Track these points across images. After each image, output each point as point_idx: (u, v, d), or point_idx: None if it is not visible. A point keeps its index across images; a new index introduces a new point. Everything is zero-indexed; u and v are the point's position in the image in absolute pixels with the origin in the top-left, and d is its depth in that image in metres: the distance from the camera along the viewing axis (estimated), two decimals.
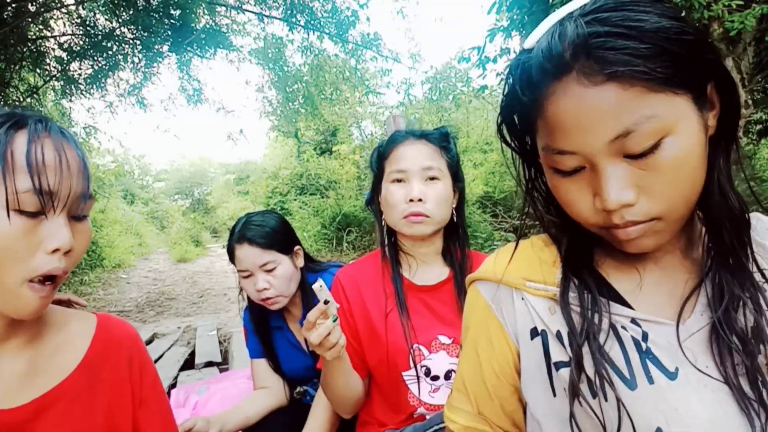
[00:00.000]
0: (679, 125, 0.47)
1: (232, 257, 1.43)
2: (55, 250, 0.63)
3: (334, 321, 0.98)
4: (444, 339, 1.15)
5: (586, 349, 0.55)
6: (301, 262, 1.48)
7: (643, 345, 0.54)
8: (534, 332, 0.61)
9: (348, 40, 7.68)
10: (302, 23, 7.38)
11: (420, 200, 1.14)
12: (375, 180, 1.26)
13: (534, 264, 0.65)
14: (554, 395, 0.59)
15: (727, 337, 0.51)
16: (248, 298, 1.53)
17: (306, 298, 1.48)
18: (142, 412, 0.80)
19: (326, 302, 0.97)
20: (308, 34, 7.65)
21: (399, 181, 1.17)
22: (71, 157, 0.66)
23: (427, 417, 1.16)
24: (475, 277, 0.70)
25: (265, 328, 1.54)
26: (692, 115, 0.48)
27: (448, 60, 10.37)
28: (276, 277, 1.38)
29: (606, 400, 0.52)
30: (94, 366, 0.75)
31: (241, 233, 1.39)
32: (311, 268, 1.54)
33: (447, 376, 1.14)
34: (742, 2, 2.99)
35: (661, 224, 0.51)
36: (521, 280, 0.64)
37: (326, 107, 9.41)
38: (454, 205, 1.22)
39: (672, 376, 0.52)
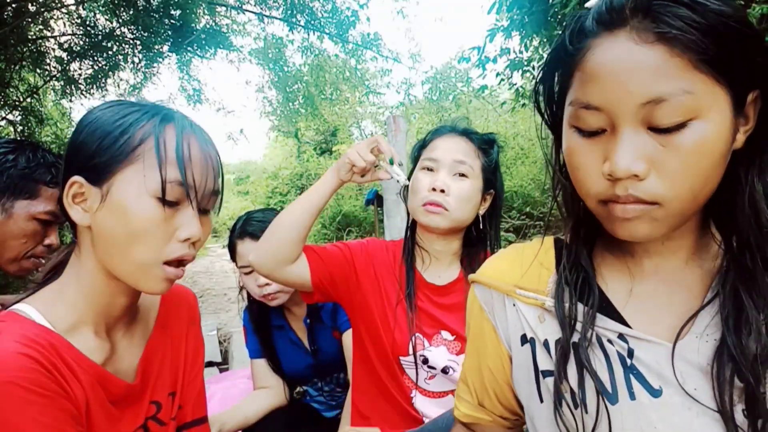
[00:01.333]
0: (711, 113, 0.46)
1: (233, 254, 1.44)
2: (186, 239, 0.69)
3: (380, 163, 1.12)
4: (447, 335, 1.17)
5: (571, 360, 0.55)
6: None
7: (628, 361, 0.53)
8: (524, 339, 0.62)
9: (348, 40, 7.68)
10: (302, 23, 7.38)
11: (442, 191, 1.13)
12: (412, 167, 1.26)
13: (529, 269, 0.64)
14: (541, 401, 0.60)
15: (737, 361, 0.48)
16: (248, 297, 1.53)
17: None
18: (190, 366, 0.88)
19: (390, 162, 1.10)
20: (308, 35, 7.66)
21: (429, 169, 1.17)
22: (212, 155, 0.73)
23: (424, 414, 1.17)
24: (474, 278, 0.71)
25: (266, 327, 1.55)
26: (726, 112, 0.47)
27: (448, 60, 10.38)
28: None
29: (587, 411, 0.53)
30: (168, 323, 0.84)
31: (243, 229, 1.41)
32: None
33: (444, 371, 1.14)
34: (742, 2, 2.99)
35: (660, 212, 0.49)
36: (512, 287, 0.64)
37: (326, 107, 9.42)
38: (481, 212, 1.20)
39: (656, 393, 0.51)
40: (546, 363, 0.59)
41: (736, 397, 0.48)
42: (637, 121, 0.47)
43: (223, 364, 3.15)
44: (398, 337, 1.16)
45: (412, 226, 1.25)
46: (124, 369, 0.74)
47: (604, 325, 0.56)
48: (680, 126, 0.46)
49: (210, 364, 3.10)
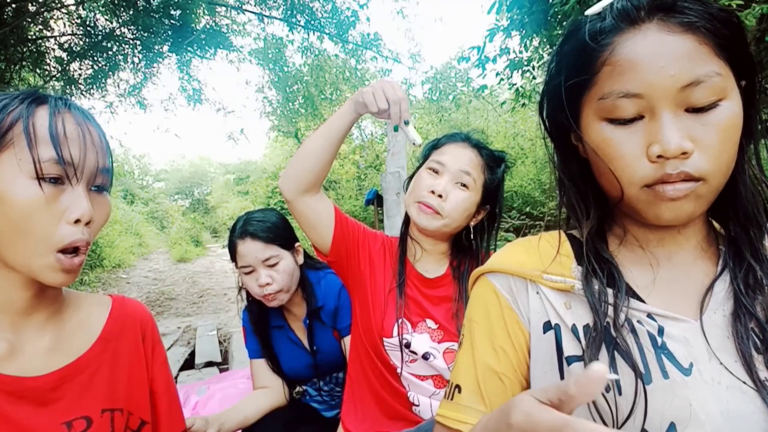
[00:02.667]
0: (731, 94, 0.52)
1: (233, 254, 1.43)
2: (77, 221, 0.66)
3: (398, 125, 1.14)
4: (431, 323, 1.22)
5: (602, 344, 0.56)
6: (301, 259, 1.49)
7: (659, 340, 0.55)
8: (547, 326, 0.62)
9: (348, 41, 7.69)
10: (302, 23, 7.39)
11: (440, 196, 1.17)
12: (419, 164, 1.30)
13: (549, 257, 0.65)
14: None
15: (749, 326, 0.52)
16: (248, 297, 1.54)
17: (307, 296, 1.48)
18: (152, 389, 0.84)
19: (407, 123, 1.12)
20: (308, 35, 7.67)
21: (434, 171, 1.21)
22: (92, 130, 0.70)
23: (420, 413, 1.19)
24: (486, 269, 0.69)
25: (265, 327, 1.55)
26: (737, 93, 0.53)
27: (448, 60, 10.37)
28: (278, 271, 1.39)
29: (620, 394, 0.53)
30: (112, 340, 0.79)
31: (243, 228, 1.40)
32: (311, 266, 1.55)
33: (425, 357, 1.19)
34: (742, 2, 2.99)
35: (704, 188, 0.52)
36: (537, 272, 0.63)
37: (326, 107, 9.41)
38: (472, 223, 1.25)
39: (686, 372, 0.52)
40: (572, 348, 0.59)
41: (763, 366, 0.51)
42: (676, 104, 0.51)
43: (223, 364, 3.15)
44: (386, 321, 1.21)
45: (407, 218, 1.29)
46: (33, 371, 0.69)
47: (633, 306, 0.57)
48: (714, 105, 0.51)
49: (210, 364, 3.10)
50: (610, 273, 0.60)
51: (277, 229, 1.42)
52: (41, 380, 0.69)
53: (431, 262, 1.28)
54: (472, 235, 1.27)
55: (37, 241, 0.64)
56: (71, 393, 0.72)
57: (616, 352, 0.55)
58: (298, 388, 1.58)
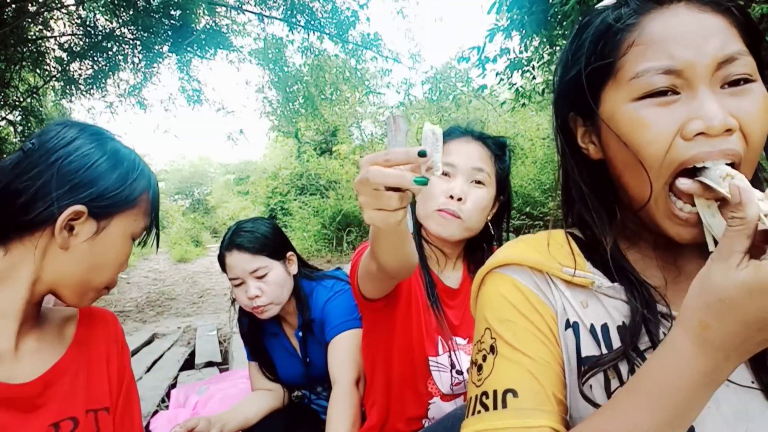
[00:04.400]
0: (758, 79, 0.52)
1: (223, 266, 1.41)
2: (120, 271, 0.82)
3: (418, 183, 0.63)
4: (460, 340, 1.15)
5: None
6: (294, 269, 1.46)
7: None
8: (567, 323, 0.60)
9: (348, 41, 7.68)
10: (302, 23, 7.38)
11: (460, 199, 1.09)
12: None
13: (560, 254, 0.62)
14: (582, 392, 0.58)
15: None
16: (240, 309, 1.51)
17: (301, 305, 1.45)
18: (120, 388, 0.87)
19: (422, 154, 0.64)
20: (308, 35, 7.66)
21: (445, 174, 1.11)
22: None
23: (431, 417, 1.16)
24: (499, 263, 0.63)
25: (257, 336, 1.53)
26: (761, 82, 0.52)
27: (448, 60, 10.37)
28: (267, 283, 1.36)
29: None
30: (86, 341, 0.82)
31: (231, 240, 1.38)
32: (306, 275, 1.51)
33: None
34: (742, 2, 2.99)
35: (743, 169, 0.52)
36: (558, 265, 0.60)
37: (326, 107, 9.42)
38: (489, 217, 1.17)
39: None
40: (591, 349, 0.57)
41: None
42: (713, 80, 0.50)
43: (223, 364, 3.14)
44: (428, 336, 1.13)
45: (417, 229, 1.19)
46: (19, 377, 0.71)
47: (653, 307, 0.56)
48: (748, 81, 0.51)
49: (210, 364, 3.09)
50: (627, 276, 0.59)
51: (266, 240, 1.38)
52: (28, 387, 0.71)
53: (451, 269, 1.21)
54: (491, 230, 1.18)
55: (106, 280, 0.78)
56: (56, 396, 0.74)
57: (636, 355, 0.54)
58: (296, 392, 1.58)
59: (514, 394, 0.55)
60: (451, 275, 1.20)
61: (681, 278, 0.59)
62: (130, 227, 0.77)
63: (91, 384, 0.80)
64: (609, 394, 0.54)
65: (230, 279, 1.39)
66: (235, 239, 1.37)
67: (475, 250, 1.22)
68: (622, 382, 0.53)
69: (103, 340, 0.85)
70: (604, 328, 0.57)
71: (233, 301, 1.48)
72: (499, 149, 1.18)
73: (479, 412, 0.57)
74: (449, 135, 1.17)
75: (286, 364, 1.53)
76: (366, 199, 0.66)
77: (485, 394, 0.57)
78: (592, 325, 0.58)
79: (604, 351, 0.56)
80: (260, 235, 1.39)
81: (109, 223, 0.74)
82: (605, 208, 0.61)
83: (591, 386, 0.56)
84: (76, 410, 0.75)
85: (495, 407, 0.56)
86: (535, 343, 0.58)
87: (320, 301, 1.45)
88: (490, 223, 1.18)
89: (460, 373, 1.12)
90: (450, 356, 1.12)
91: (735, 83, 0.50)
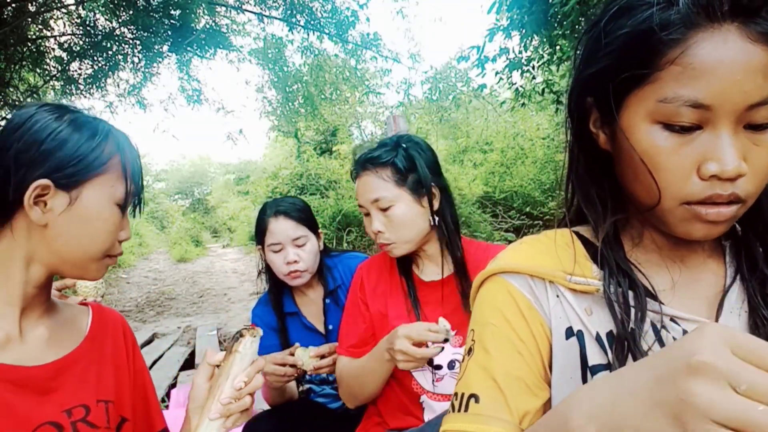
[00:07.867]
0: None
1: (262, 234, 1.48)
2: (123, 239, 0.82)
3: (441, 350, 1.05)
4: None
5: (627, 350, 0.54)
6: (321, 245, 1.55)
7: None
8: (569, 332, 0.58)
9: (348, 41, 7.67)
10: (302, 23, 7.38)
11: (380, 232, 1.16)
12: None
13: (568, 258, 0.60)
14: None
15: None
16: (270, 281, 1.57)
17: (323, 280, 1.56)
18: (135, 385, 0.90)
19: (446, 340, 1.04)
20: (308, 35, 7.65)
21: (365, 214, 1.20)
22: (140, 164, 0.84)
23: (427, 416, 1.17)
24: (500, 269, 0.63)
25: (280, 309, 1.58)
26: None
27: (448, 60, 10.37)
28: (305, 251, 1.45)
29: None
30: (99, 338, 0.85)
31: (276, 208, 1.48)
32: (328, 253, 1.62)
33: (450, 366, 1.14)
34: None
35: (742, 209, 0.51)
36: (561, 273, 0.59)
37: (326, 107, 9.41)
38: (436, 207, 1.18)
39: None
40: (597, 357, 0.56)
41: None
42: (738, 120, 0.48)
43: None
44: None
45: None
46: (32, 360, 0.73)
47: (656, 309, 0.56)
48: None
49: None
50: (629, 277, 0.57)
51: (307, 212, 1.51)
52: (42, 369, 0.73)
53: (436, 264, 1.24)
54: (444, 220, 1.20)
55: (101, 250, 0.77)
56: (69, 383, 0.76)
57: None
58: (302, 387, 1.59)
59: (476, 399, 0.57)
60: (434, 269, 1.25)
61: (688, 278, 0.59)
62: (107, 193, 0.75)
63: (102, 377, 0.82)
64: None
65: (270, 245, 1.46)
66: (281, 207, 1.48)
67: (447, 241, 1.22)
68: None
69: (113, 338, 0.88)
70: (610, 335, 0.56)
71: (259, 273, 1.57)
72: (387, 155, 1.17)
73: (449, 411, 0.60)
74: (353, 175, 1.24)
75: (306, 342, 1.55)
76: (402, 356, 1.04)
77: (456, 394, 0.60)
78: (597, 334, 0.57)
79: (611, 359, 0.55)
80: (301, 208, 1.51)
81: (80, 192, 0.73)
82: (602, 200, 0.60)
83: None
84: (88, 398, 0.77)
85: (459, 410, 0.58)
86: (510, 353, 0.59)
87: (352, 265, 1.51)
88: (436, 215, 1.18)
89: (438, 368, 1.14)
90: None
91: (757, 127, 0.48)
